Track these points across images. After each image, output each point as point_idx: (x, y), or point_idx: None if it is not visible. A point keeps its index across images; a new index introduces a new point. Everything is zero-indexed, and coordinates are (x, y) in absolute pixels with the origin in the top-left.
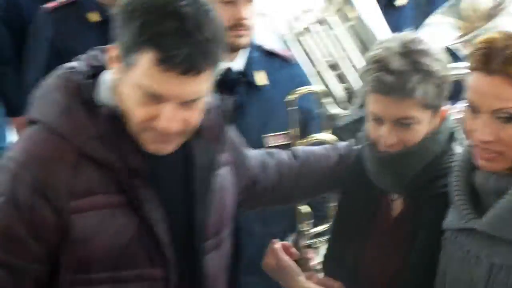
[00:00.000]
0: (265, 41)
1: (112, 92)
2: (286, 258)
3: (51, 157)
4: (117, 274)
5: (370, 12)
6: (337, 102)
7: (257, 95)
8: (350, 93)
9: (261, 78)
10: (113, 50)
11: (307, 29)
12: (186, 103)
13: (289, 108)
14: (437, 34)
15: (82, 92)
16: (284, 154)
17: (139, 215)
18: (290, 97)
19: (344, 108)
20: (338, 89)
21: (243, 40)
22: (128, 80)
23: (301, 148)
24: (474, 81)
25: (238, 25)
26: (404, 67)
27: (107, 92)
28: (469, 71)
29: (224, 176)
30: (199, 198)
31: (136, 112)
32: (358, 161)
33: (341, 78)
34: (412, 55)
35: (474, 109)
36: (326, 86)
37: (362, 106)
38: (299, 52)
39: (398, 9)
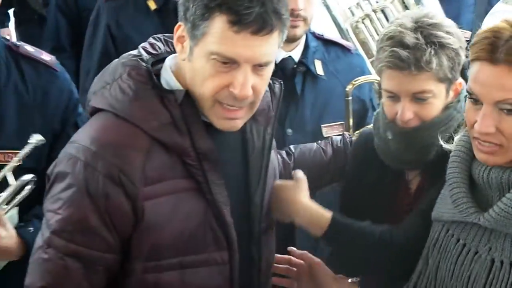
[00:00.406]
0: (325, 30)
1: (177, 76)
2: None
3: (124, 145)
4: (186, 259)
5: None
6: None
7: (315, 85)
8: None
9: (319, 67)
10: (179, 29)
11: (367, 16)
12: (257, 68)
13: (346, 98)
14: None
15: (151, 78)
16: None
17: (207, 198)
18: (348, 87)
19: None
20: None
21: (298, 31)
22: (198, 52)
23: (298, 145)
24: (478, 71)
25: (293, 15)
26: (418, 41)
27: (172, 78)
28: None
29: (273, 159)
30: (256, 181)
31: (209, 83)
32: (367, 145)
33: None
34: (425, 29)
35: (476, 100)
36: None
37: None
38: (357, 41)
39: None
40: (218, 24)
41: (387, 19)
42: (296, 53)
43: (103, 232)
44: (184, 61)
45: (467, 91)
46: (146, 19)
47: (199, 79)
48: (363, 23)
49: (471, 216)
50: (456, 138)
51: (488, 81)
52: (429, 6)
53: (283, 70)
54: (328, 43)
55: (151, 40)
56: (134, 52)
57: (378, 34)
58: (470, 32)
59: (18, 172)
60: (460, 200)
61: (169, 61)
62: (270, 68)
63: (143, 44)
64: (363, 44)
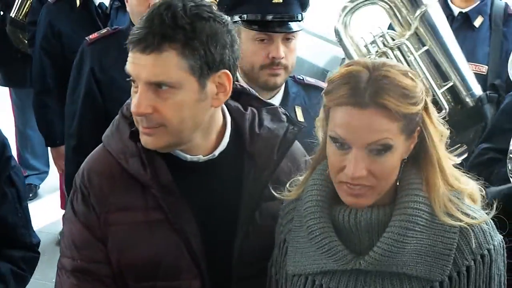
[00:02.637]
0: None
1: None
2: None
3: (98, 171)
4: (158, 284)
5: (445, 34)
6: None
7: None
8: None
9: (299, 114)
10: None
11: (383, 54)
12: (157, 90)
13: None
14: None
15: (127, 112)
16: None
17: (176, 229)
18: None
19: None
20: None
21: (279, 79)
22: None
23: None
24: (344, 116)
25: (274, 63)
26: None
27: None
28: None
29: (278, 207)
30: (240, 225)
31: (131, 104)
32: None
33: None
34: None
35: (343, 145)
36: None
37: None
38: None
39: (476, 29)
40: (129, 50)
41: (404, 56)
42: (276, 101)
43: (96, 244)
44: None
45: (331, 137)
46: None
47: None
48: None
49: (349, 263)
50: (307, 186)
51: (357, 125)
52: (446, 41)
53: None
54: (308, 87)
55: None
56: None
57: None
58: (487, 66)
59: None
60: (335, 249)
61: None
62: (177, 93)
63: None
64: None
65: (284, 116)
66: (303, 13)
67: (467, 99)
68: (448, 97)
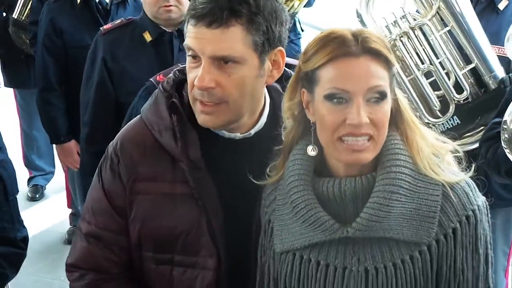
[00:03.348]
0: None
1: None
2: None
3: (131, 141)
4: (177, 257)
5: (468, 16)
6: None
7: None
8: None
9: None
10: None
11: (405, 34)
12: (221, 64)
13: None
14: None
15: (172, 87)
16: None
17: (199, 204)
18: None
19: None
20: (433, 97)
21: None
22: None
23: None
24: (340, 68)
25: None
26: None
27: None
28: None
29: None
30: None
31: (188, 80)
32: None
33: (434, 86)
34: None
35: (342, 98)
36: (420, 94)
37: None
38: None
39: (500, 12)
40: (188, 23)
41: (425, 37)
42: None
43: (113, 214)
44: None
45: (327, 96)
46: (142, 51)
47: (188, 78)
48: (401, 41)
49: (337, 232)
50: (290, 160)
51: (356, 73)
52: (468, 23)
53: None
54: None
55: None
56: None
57: (416, 52)
58: None
59: None
60: (321, 220)
61: None
62: (241, 68)
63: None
64: (401, 61)
65: None
66: None
67: (490, 81)
68: (471, 79)
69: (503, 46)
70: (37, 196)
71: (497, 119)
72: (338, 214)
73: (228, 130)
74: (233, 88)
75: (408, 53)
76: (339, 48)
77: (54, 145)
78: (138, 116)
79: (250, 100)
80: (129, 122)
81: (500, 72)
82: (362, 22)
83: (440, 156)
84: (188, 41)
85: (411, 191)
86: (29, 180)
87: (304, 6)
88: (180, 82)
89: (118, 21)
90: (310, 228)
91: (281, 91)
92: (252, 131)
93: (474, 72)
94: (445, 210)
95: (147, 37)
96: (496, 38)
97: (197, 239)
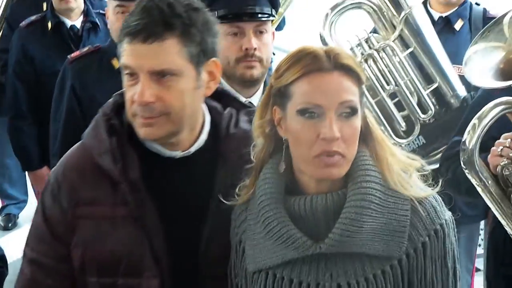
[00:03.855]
0: None
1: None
2: None
3: (71, 165)
4: (120, 281)
5: (430, 37)
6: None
7: None
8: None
9: None
10: None
11: (370, 56)
12: (159, 79)
13: None
14: None
15: (107, 109)
16: None
17: (139, 226)
18: None
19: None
20: (399, 118)
21: (255, 72)
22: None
23: None
24: (312, 83)
25: (247, 55)
26: None
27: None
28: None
29: None
30: (207, 225)
31: (127, 98)
32: None
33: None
34: None
35: (315, 113)
36: (386, 115)
37: None
38: None
39: (457, 32)
40: (123, 41)
41: (389, 58)
42: (255, 99)
43: (52, 241)
44: None
45: (300, 110)
46: (110, 78)
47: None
48: (366, 62)
49: (310, 249)
50: (260, 179)
51: (328, 87)
52: (431, 42)
53: None
54: None
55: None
56: None
57: (382, 74)
58: None
59: None
60: (294, 237)
61: None
62: (179, 81)
63: None
64: (367, 84)
65: None
66: (273, 12)
67: (452, 100)
68: (432, 99)
69: (461, 65)
70: (10, 225)
71: (456, 138)
72: (311, 231)
73: (169, 148)
74: (173, 100)
75: (374, 74)
76: (312, 63)
77: (26, 173)
78: (80, 141)
79: (190, 112)
80: (72, 148)
81: (462, 91)
82: (325, 45)
83: (408, 173)
84: (125, 59)
85: (382, 206)
86: (2, 209)
87: (276, 30)
88: (120, 105)
89: (86, 48)
90: (283, 245)
91: (221, 109)
92: (192, 149)
93: (436, 91)
94: (414, 224)
95: (115, 63)
96: (455, 58)
97: (139, 260)
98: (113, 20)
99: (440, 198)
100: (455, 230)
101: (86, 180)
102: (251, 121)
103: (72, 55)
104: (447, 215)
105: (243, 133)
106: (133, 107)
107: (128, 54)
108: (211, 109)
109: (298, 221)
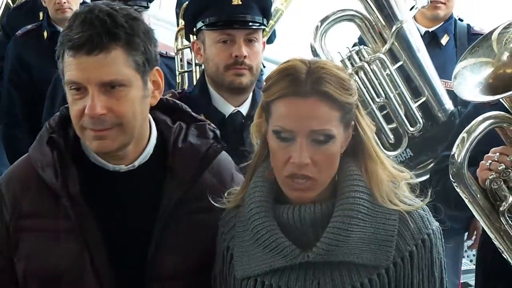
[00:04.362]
0: None
1: None
2: None
3: (15, 178)
4: None
5: (420, 50)
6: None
7: None
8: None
9: None
10: None
11: (360, 69)
12: (108, 90)
13: None
14: None
15: (53, 123)
16: None
17: (80, 240)
18: None
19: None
20: (388, 131)
21: (244, 80)
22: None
23: None
24: (287, 106)
25: (237, 63)
26: None
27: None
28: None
29: (204, 222)
30: (154, 239)
31: (72, 113)
32: None
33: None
34: None
35: (287, 137)
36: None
37: None
38: None
39: (443, 47)
40: (65, 57)
41: (380, 71)
42: (244, 108)
43: None
44: None
45: (274, 131)
46: None
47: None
48: (357, 75)
49: (298, 257)
50: (250, 187)
51: (300, 114)
52: (420, 56)
53: (232, 124)
54: None
55: None
56: None
57: (372, 86)
58: None
59: None
60: (282, 245)
61: None
62: (128, 91)
63: None
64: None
65: (211, 133)
66: (265, 21)
67: (439, 114)
68: (420, 112)
69: (448, 79)
70: None
71: (446, 152)
72: (299, 239)
73: (114, 161)
74: (124, 111)
75: (364, 87)
76: (290, 86)
77: None
78: (26, 154)
79: (141, 122)
80: (19, 159)
81: (449, 105)
82: (316, 57)
83: (396, 183)
84: (70, 75)
85: (369, 215)
86: None
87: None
88: (66, 118)
89: None
90: (271, 253)
91: (170, 123)
92: (136, 163)
93: (423, 105)
94: (402, 233)
95: None
96: (441, 72)
97: (80, 275)
98: None
99: (427, 208)
100: (443, 240)
101: (29, 192)
102: (201, 135)
103: None
104: (434, 225)
105: (190, 147)
106: (82, 121)
107: (73, 69)
108: (159, 122)
109: (286, 230)
